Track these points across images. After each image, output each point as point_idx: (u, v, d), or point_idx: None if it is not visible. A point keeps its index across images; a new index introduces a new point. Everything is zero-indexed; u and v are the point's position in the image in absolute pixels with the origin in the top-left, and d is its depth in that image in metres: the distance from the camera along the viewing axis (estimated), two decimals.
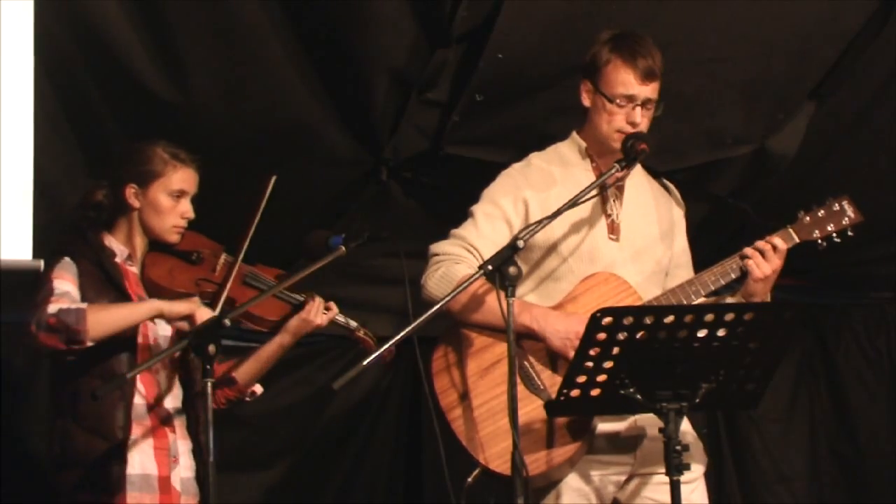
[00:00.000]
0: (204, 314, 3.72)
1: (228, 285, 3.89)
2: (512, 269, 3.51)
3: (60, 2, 4.17)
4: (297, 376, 5.55)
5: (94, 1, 4.27)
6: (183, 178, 3.89)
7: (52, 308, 3.63)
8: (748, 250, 3.90)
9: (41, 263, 3.62)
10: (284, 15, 4.45)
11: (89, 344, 3.62)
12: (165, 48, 4.42)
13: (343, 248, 3.91)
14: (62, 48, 4.30)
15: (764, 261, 3.88)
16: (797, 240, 3.95)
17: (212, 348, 3.50)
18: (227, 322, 3.61)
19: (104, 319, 3.64)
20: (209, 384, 3.50)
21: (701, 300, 3.93)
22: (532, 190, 3.95)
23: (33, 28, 3.69)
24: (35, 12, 3.72)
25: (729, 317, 3.42)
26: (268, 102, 4.64)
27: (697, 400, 3.49)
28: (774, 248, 3.89)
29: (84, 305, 3.64)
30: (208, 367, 3.50)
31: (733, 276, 3.93)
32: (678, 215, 4.16)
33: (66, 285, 3.72)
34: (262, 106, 4.64)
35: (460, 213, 4.00)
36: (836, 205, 3.99)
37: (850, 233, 3.99)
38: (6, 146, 3.67)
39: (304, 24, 4.48)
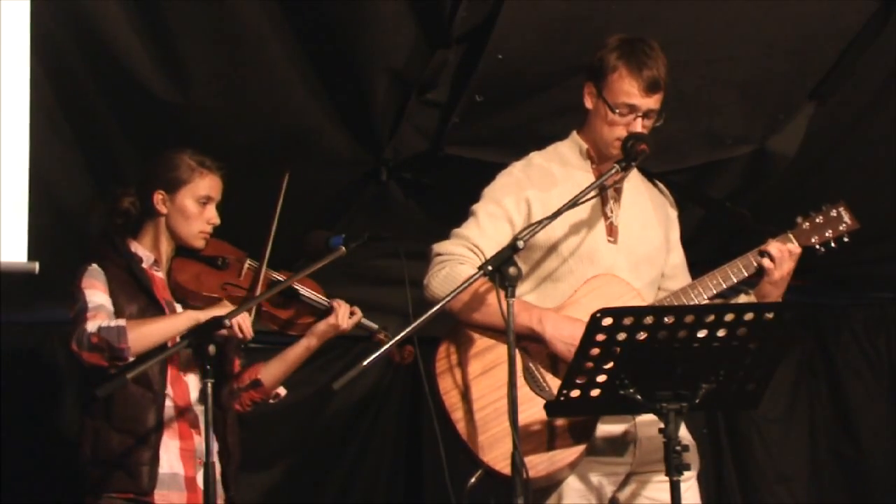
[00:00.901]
0: (239, 317, 3.76)
1: (258, 290, 3.94)
2: (512, 270, 3.51)
3: (58, 1, 4.17)
4: (297, 376, 5.48)
5: (93, 1, 4.27)
6: (209, 184, 3.98)
7: (92, 326, 3.72)
8: (768, 250, 3.90)
9: (36, 266, 3.62)
10: (284, 15, 4.44)
11: (131, 359, 3.71)
12: (165, 48, 4.42)
13: (343, 249, 3.93)
14: (60, 48, 4.29)
15: (780, 262, 3.88)
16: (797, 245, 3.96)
17: (211, 348, 3.53)
18: (228, 322, 3.64)
19: (145, 334, 3.73)
20: (209, 384, 3.53)
21: (704, 303, 3.93)
22: (534, 189, 3.95)
23: (31, 27, 3.68)
24: (32, 12, 3.71)
25: (729, 317, 3.42)
26: (268, 103, 4.64)
27: (697, 400, 3.49)
28: (790, 252, 3.90)
29: (123, 322, 3.73)
30: (208, 367, 3.53)
31: (735, 279, 3.93)
32: (673, 216, 4.16)
33: (98, 296, 3.81)
34: (262, 106, 4.65)
35: (460, 214, 4.00)
36: (834, 211, 4.01)
37: (846, 239, 4.00)
38: (3, 146, 3.66)
39: (304, 24, 4.48)
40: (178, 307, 3.96)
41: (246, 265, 4.04)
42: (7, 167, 3.63)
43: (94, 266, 3.87)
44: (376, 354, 3.49)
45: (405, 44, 4.56)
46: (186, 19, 4.37)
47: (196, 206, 3.95)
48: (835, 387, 6.26)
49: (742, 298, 4.00)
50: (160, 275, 3.97)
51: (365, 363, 3.43)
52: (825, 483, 6.19)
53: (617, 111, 3.87)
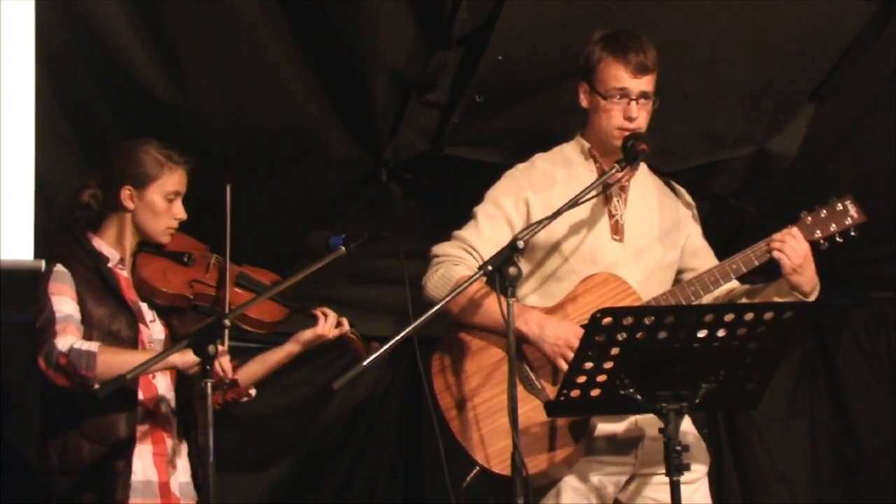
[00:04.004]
0: (223, 361, 3.66)
1: (228, 286, 3.90)
2: (512, 270, 3.52)
3: (61, 2, 4.17)
4: (297, 376, 5.54)
5: (94, 1, 4.27)
6: (178, 179, 3.91)
7: (63, 344, 3.64)
8: (774, 242, 3.87)
9: (42, 263, 3.62)
10: (284, 15, 4.45)
11: (96, 386, 3.61)
12: (165, 48, 4.42)
13: (343, 249, 3.92)
14: (63, 49, 4.30)
15: (790, 249, 3.86)
16: None
17: (211, 349, 3.50)
18: (227, 323, 3.62)
19: (115, 368, 3.59)
20: (209, 385, 3.49)
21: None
22: (534, 190, 3.96)
23: (34, 29, 3.69)
24: (36, 13, 3.72)
25: (729, 317, 3.42)
26: (268, 103, 4.64)
27: (697, 400, 3.49)
28: (792, 235, 3.87)
29: (95, 348, 3.64)
30: (208, 367, 3.50)
31: (734, 276, 3.94)
32: (685, 215, 4.15)
33: (66, 305, 3.73)
34: (262, 106, 4.65)
35: (460, 215, 4.01)
36: (840, 205, 3.97)
37: (853, 233, 3.97)
38: (7, 146, 3.68)
39: (304, 24, 4.48)
40: (144, 307, 3.89)
41: (212, 260, 3.97)
42: (12, 167, 3.65)
43: (60, 268, 3.77)
44: (376, 355, 3.48)
45: (405, 44, 4.56)
46: (186, 19, 4.38)
47: (164, 202, 3.87)
48: (835, 387, 6.24)
49: (770, 289, 3.96)
50: (125, 274, 3.89)
51: (365, 363, 3.44)
52: (825, 483, 6.17)
53: (610, 97, 3.88)
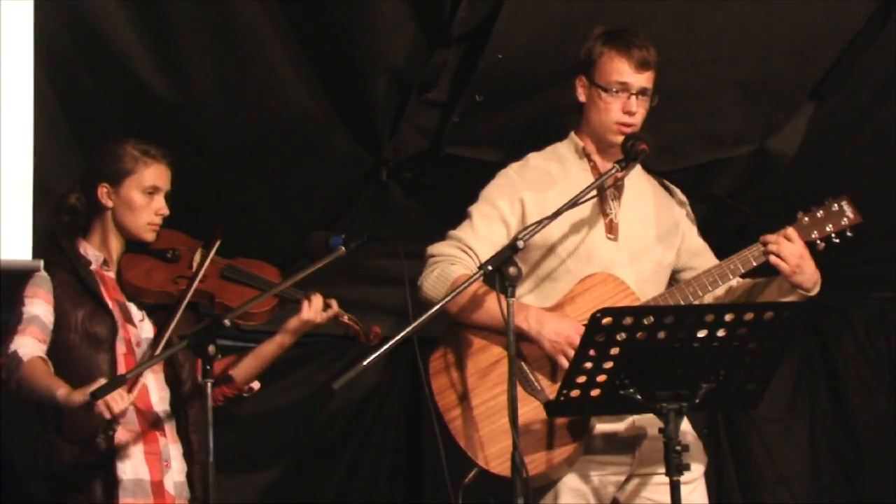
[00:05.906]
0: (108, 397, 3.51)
1: (199, 276, 3.83)
2: (512, 270, 3.51)
3: (60, 2, 4.17)
4: (297, 376, 5.54)
5: (93, 1, 4.27)
6: (155, 174, 3.85)
7: (12, 346, 3.62)
8: (770, 246, 3.87)
9: (41, 263, 3.61)
10: (284, 15, 4.45)
11: (21, 397, 3.62)
12: (165, 48, 4.42)
13: (343, 249, 3.91)
14: (62, 49, 4.29)
15: (787, 252, 3.86)
16: None
17: (211, 349, 3.48)
18: (227, 322, 3.60)
19: (31, 382, 3.58)
20: (209, 384, 3.47)
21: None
22: (529, 190, 3.96)
23: (33, 28, 3.69)
24: (35, 12, 3.71)
25: (729, 317, 3.42)
26: (268, 103, 4.63)
27: (697, 400, 3.49)
28: (786, 235, 3.88)
29: (26, 358, 3.60)
30: (208, 367, 3.49)
31: (732, 277, 3.94)
32: (681, 214, 4.16)
33: (36, 307, 3.70)
34: (262, 106, 4.64)
35: (460, 214, 4.01)
36: (835, 205, 3.99)
37: (849, 234, 3.98)
38: (6, 146, 3.67)
39: (304, 23, 4.48)
40: (132, 307, 3.86)
41: (198, 255, 3.92)
42: (11, 167, 3.64)
43: (41, 273, 3.75)
44: (376, 354, 3.48)
45: (405, 44, 4.56)
46: (186, 19, 4.37)
47: (142, 197, 3.81)
48: (835, 386, 6.24)
49: (773, 286, 3.97)
50: (111, 274, 3.86)
51: (365, 363, 3.43)
52: (825, 483, 6.18)
53: (610, 90, 3.89)
